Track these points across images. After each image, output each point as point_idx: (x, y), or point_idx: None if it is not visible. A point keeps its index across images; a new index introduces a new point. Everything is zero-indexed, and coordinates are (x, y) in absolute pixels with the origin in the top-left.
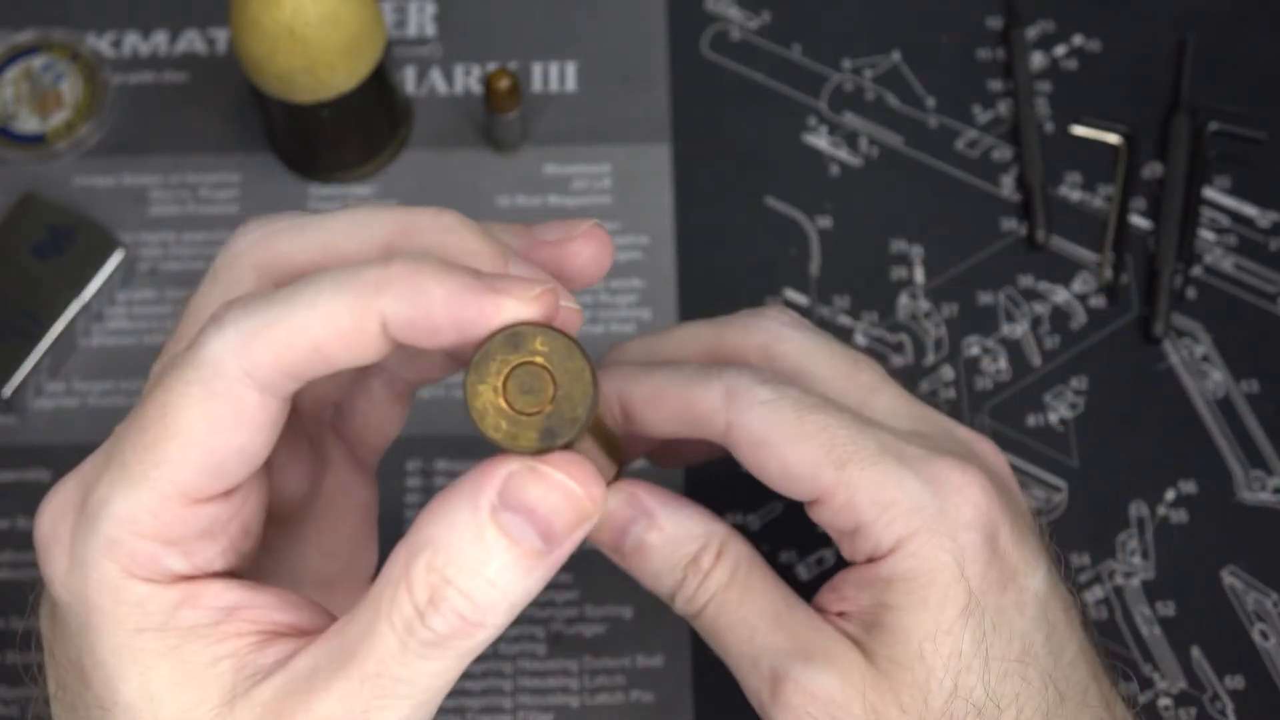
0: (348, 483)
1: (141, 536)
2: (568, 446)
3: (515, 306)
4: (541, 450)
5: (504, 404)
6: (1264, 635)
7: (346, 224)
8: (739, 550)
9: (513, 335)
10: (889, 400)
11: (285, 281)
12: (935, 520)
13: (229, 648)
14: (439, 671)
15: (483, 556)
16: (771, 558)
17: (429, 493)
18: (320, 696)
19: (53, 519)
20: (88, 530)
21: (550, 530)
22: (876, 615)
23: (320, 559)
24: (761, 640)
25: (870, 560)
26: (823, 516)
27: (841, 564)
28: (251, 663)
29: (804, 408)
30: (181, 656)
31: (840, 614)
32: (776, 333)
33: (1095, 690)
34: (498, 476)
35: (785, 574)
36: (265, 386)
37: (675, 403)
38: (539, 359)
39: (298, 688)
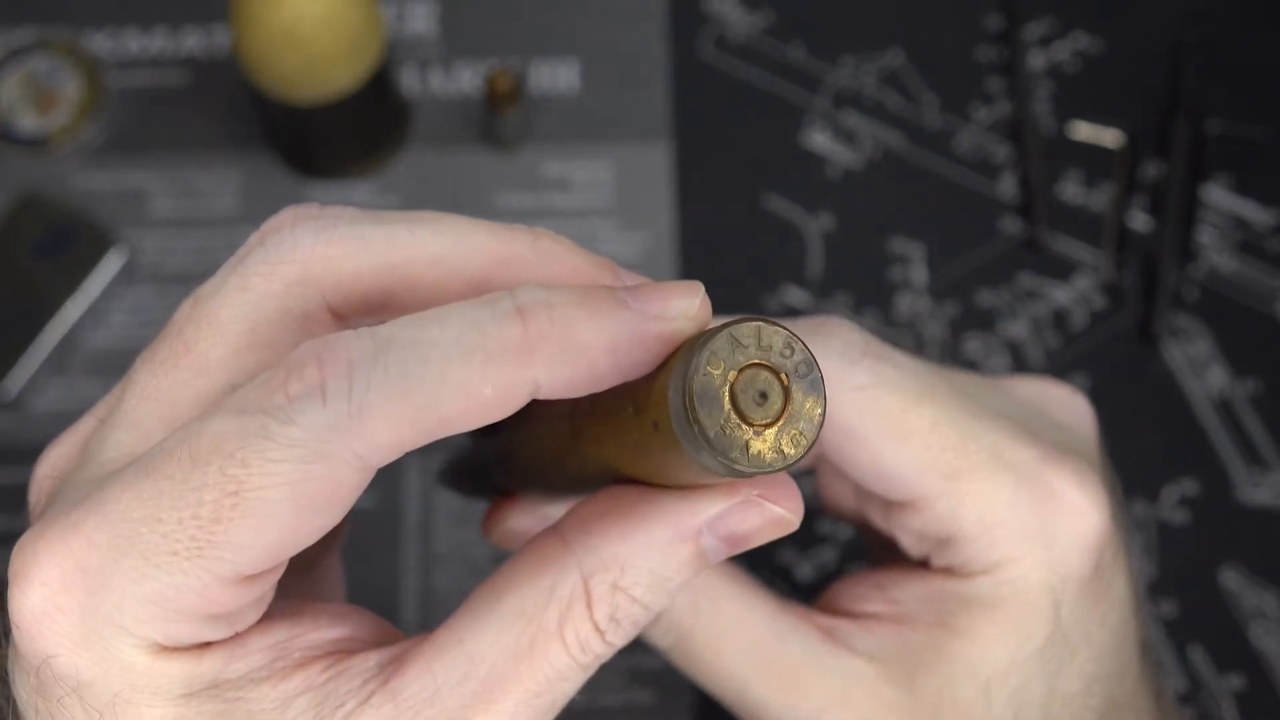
0: None
1: (182, 616)
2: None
3: (687, 326)
4: (790, 464)
5: (738, 419)
6: (1263, 635)
7: (426, 248)
8: (699, 579)
9: (732, 336)
10: (971, 382)
11: (343, 308)
12: (1043, 548)
13: (298, 682)
14: (587, 679)
15: (671, 574)
16: (770, 559)
17: (428, 493)
18: None
19: (49, 588)
20: (111, 606)
21: (745, 548)
22: (935, 638)
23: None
24: (753, 690)
25: (948, 570)
26: (906, 522)
27: (843, 566)
28: (333, 691)
29: (909, 399)
30: (246, 708)
31: (866, 615)
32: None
33: (1153, 704)
34: (713, 509)
35: (784, 576)
36: (372, 466)
37: None
38: (766, 360)
39: (422, 717)
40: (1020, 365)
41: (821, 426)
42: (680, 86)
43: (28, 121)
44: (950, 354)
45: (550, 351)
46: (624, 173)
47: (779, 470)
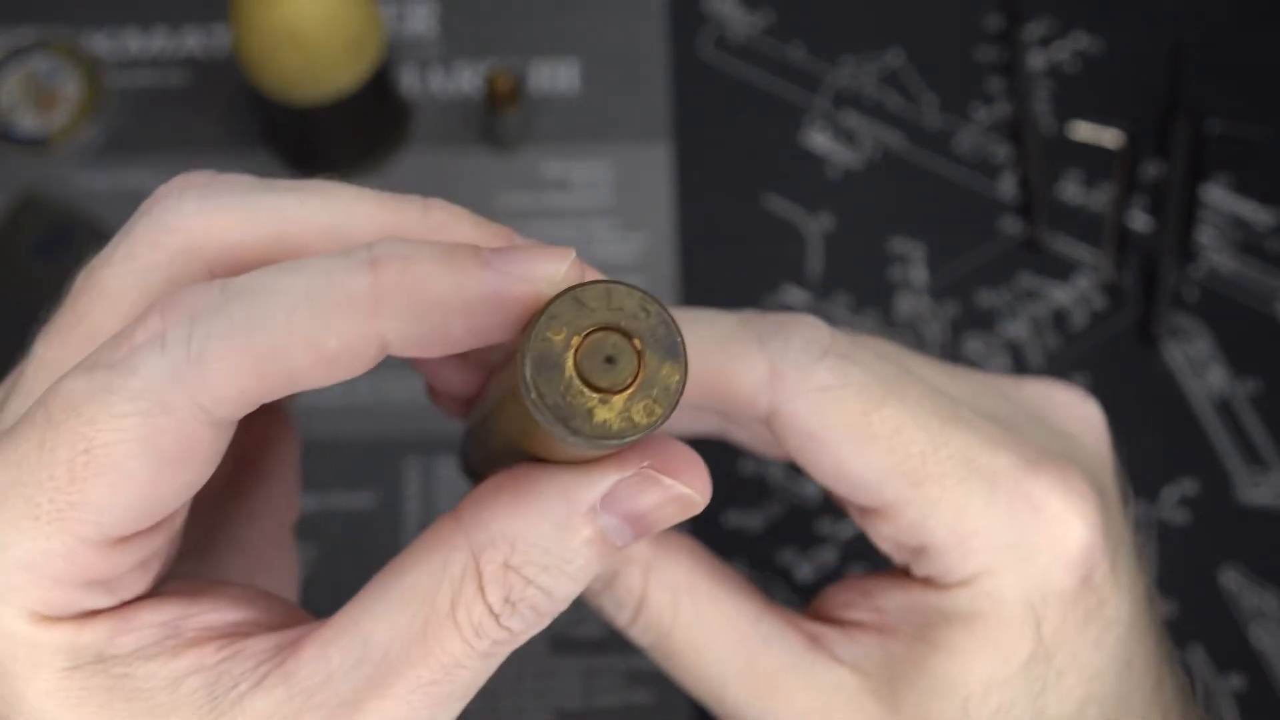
0: (264, 435)
1: (55, 583)
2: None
3: (549, 291)
4: (640, 434)
5: (581, 385)
6: (1263, 635)
7: (315, 219)
8: (675, 575)
9: (576, 298)
10: (955, 380)
11: (225, 273)
12: (1021, 560)
13: (189, 661)
14: (493, 668)
15: (569, 556)
16: (770, 559)
17: (428, 493)
18: (359, 714)
19: None
20: None
21: (650, 530)
22: (915, 651)
23: (239, 526)
24: (732, 694)
25: (927, 581)
26: (879, 529)
27: (843, 566)
28: (226, 672)
29: (873, 401)
30: (134, 685)
31: (851, 623)
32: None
33: None
34: (603, 482)
35: (784, 576)
36: (219, 419)
37: (702, 373)
38: (615, 323)
39: (314, 701)
40: (1020, 365)
41: (680, 394)
42: (680, 86)
43: (28, 121)
44: (950, 354)
45: (399, 305)
46: (624, 173)
47: (630, 441)
